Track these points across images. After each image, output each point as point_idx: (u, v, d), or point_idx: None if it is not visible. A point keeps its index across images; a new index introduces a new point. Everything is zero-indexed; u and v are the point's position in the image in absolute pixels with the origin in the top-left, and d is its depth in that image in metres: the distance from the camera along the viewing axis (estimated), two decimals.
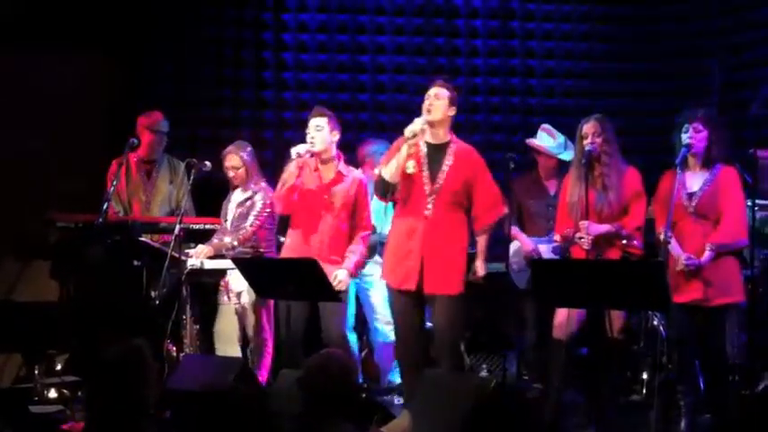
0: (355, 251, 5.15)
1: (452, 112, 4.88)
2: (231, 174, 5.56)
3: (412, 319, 4.87)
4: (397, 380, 5.74)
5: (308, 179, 5.14)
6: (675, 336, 4.83)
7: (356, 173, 5.29)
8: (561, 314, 4.83)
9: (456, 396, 3.85)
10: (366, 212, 5.27)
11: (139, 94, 6.64)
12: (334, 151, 5.19)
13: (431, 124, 4.83)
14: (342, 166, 5.21)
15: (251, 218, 5.44)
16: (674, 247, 4.64)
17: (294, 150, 5.05)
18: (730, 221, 4.67)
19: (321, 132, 5.09)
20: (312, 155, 5.10)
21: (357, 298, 5.84)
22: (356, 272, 5.22)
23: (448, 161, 4.84)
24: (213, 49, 6.98)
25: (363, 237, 5.23)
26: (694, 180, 4.74)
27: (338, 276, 5.01)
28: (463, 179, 4.84)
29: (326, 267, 4.78)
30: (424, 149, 4.86)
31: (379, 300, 5.75)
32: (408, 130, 4.71)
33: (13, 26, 6.33)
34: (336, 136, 5.17)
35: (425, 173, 4.83)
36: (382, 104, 7.12)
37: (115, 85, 6.62)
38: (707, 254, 4.62)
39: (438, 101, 4.82)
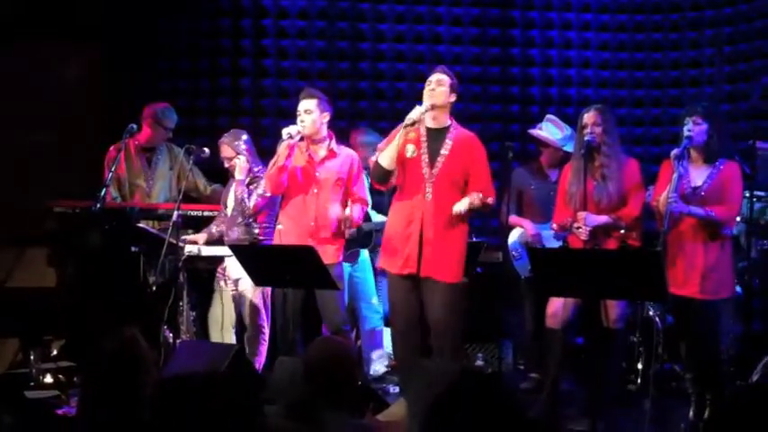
0: (355, 209, 5.19)
1: (453, 98, 4.88)
2: (226, 164, 5.57)
3: (410, 306, 4.84)
4: (381, 370, 5.77)
5: (299, 159, 5.15)
6: (680, 328, 4.82)
7: (349, 150, 5.31)
8: (555, 303, 4.83)
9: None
10: (361, 188, 5.28)
11: (136, 85, 6.66)
12: (324, 132, 5.21)
13: (431, 109, 4.83)
14: (333, 144, 5.22)
15: (254, 196, 5.43)
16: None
17: (285, 131, 5.07)
18: (730, 206, 4.65)
19: (311, 115, 5.11)
20: (302, 138, 5.10)
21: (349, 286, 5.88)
22: (354, 226, 5.26)
23: (447, 145, 4.83)
24: (209, 38, 6.98)
25: (361, 207, 5.26)
26: (697, 174, 4.72)
27: (350, 211, 5.09)
28: (462, 164, 4.83)
29: (319, 247, 4.79)
30: (423, 134, 4.86)
31: (370, 288, 5.78)
32: (408, 118, 4.72)
33: (11, 24, 6.35)
34: (326, 117, 5.18)
35: (424, 157, 4.83)
36: (382, 92, 7.12)
37: (111, 75, 6.65)
38: (699, 209, 4.61)
39: (440, 87, 4.82)
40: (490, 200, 4.85)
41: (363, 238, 5.77)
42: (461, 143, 4.85)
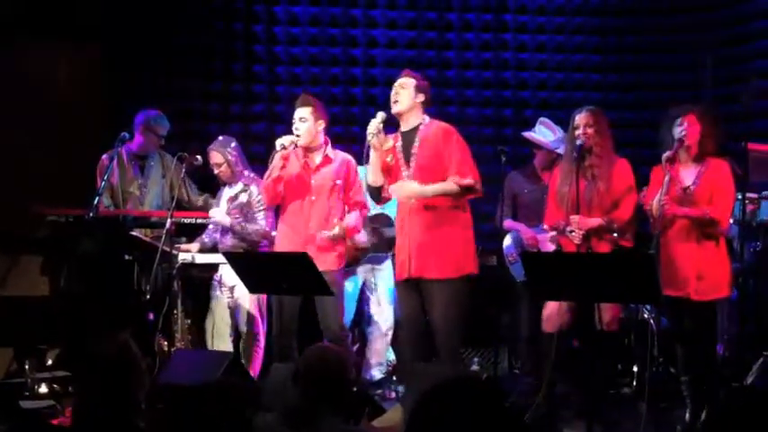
0: (353, 216, 5.17)
1: (420, 98, 4.87)
2: (216, 171, 5.57)
3: (410, 311, 4.86)
4: (378, 376, 5.76)
5: (295, 167, 5.13)
6: (676, 330, 4.82)
7: (344, 155, 5.27)
8: (550, 307, 4.83)
9: None
10: (358, 192, 5.25)
11: (129, 89, 6.65)
12: (321, 139, 5.17)
13: (399, 114, 4.86)
14: (329, 150, 5.20)
15: (260, 219, 5.44)
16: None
17: (279, 142, 5.05)
18: (722, 204, 4.65)
19: (305, 123, 5.08)
20: (296, 146, 5.09)
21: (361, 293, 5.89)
22: (351, 234, 5.24)
23: (416, 142, 4.85)
24: (204, 41, 6.97)
25: (360, 212, 5.24)
26: (687, 174, 4.72)
27: (346, 220, 5.07)
28: (433, 155, 4.81)
29: (317, 255, 4.79)
30: (399, 139, 4.90)
31: (386, 292, 5.80)
32: (368, 134, 4.74)
33: (11, 24, 6.34)
34: (322, 125, 5.15)
35: (401, 160, 4.86)
36: (374, 98, 7.12)
37: (106, 79, 6.64)
38: (692, 209, 4.61)
39: (403, 90, 4.85)
40: (467, 181, 4.73)
41: (385, 245, 5.77)
42: (430, 136, 4.85)
